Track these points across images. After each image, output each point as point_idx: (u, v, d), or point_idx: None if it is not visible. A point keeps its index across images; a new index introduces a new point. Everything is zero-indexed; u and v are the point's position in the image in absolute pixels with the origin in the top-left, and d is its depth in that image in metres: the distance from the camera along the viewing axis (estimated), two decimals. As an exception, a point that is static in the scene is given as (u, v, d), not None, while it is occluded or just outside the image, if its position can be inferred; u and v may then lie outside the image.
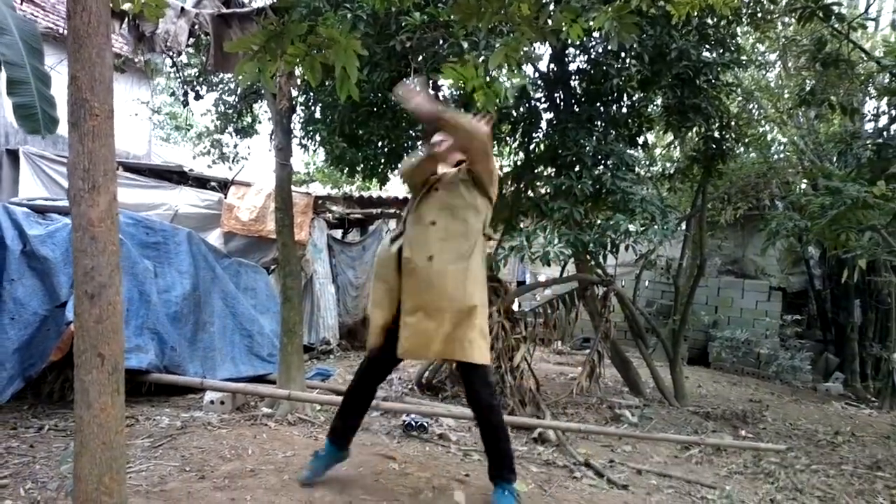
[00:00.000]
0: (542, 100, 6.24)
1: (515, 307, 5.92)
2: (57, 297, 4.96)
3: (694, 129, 6.42)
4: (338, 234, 9.87)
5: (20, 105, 3.72)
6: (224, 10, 5.12)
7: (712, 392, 8.17)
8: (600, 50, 5.87)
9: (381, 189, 8.32)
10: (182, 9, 4.89)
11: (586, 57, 6.07)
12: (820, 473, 4.67)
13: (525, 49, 3.55)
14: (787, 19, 7.56)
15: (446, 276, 3.07)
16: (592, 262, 6.30)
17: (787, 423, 6.60)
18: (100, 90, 1.82)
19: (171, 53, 5.13)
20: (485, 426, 3.20)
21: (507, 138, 6.69)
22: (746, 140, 7.74)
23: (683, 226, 7.44)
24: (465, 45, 4.86)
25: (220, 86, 8.70)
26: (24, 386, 4.77)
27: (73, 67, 1.82)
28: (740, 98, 8.91)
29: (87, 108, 1.81)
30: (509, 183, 6.46)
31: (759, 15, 6.10)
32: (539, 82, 6.13)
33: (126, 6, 2.88)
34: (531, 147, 6.33)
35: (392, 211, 9.92)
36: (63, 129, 3.84)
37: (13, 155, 7.54)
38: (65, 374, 5.04)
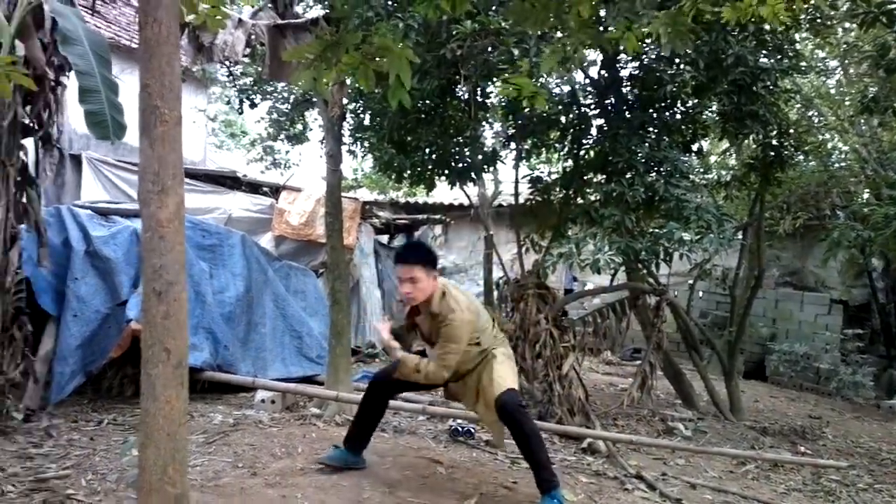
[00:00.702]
0: (593, 106, 6.19)
1: (563, 315, 5.86)
2: (118, 295, 5.16)
3: (751, 137, 6.26)
4: (384, 239, 9.97)
5: (91, 112, 3.88)
6: (280, 21, 5.25)
7: (769, 407, 7.94)
8: (653, 56, 5.79)
9: (427, 195, 8.38)
10: (239, 20, 5.04)
11: (638, 63, 6.00)
12: (884, 493, 4.50)
13: (577, 55, 3.54)
14: (848, 24, 7.34)
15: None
16: (644, 271, 6.20)
17: (848, 441, 6.36)
18: (169, 97, 1.90)
19: (228, 63, 5.28)
20: (518, 438, 3.32)
21: (557, 144, 6.66)
22: (806, 148, 7.50)
23: (740, 235, 7.26)
24: (516, 52, 4.86)
25: (274, 94, 8.94)
26: (85, 381, 4.97)
27: (145, 76, 1.90)
28: (799, 105, 8.67)
29: (157, 114, 1.89)
30: (558, 190, 6.42)
31: (820, 20, 5.93)
32: (589, 88, 6.08)
33: (190, 18, 2.99)
34: (581, 153, 6.28)
35: (438, 216, 9.97)
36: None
37: (76, 159, 7.85)
38: (123, 370, 5.24)
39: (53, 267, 4.87)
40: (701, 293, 11.23)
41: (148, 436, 1.98)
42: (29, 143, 4.30)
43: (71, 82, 4.34)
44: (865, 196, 9.88)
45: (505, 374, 3.37)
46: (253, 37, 5.09)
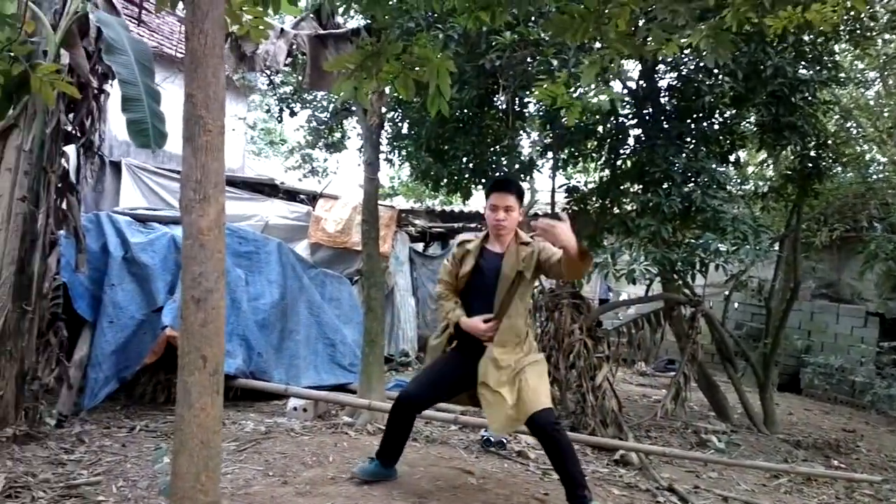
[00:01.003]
0: (630, 116, 6.14)
1: (597, 325, 5.80)
2: (154, 301, 5.22)
3: (789, 148, 6.15)
4: (419, 247, 9.99)
5: (133, 121, 3.96)
6: (321, 32, 5.31)
7: (803, 420, 7.76)
8: (691, 67, 5.73)
9: (464, 203, 8.38)
10: (281, 30, 5.11)
11: (677, 74, 5.93)
12: (920, 510, 4.35)
13: (616, 66, 3.51)
14: (888, 36, 7.17)
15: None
16: (680, 282, 6.11)
17: (882, 455, 6.19)
18: (214, 107, 1.93)
19: (269, 72, 5.34)
20: (551, 451, 3.28)
21: (594, 154, 6.61)
22: (844, 159, 7.35)
23: (776, 246, 7.12)
24: (555, 63, 4.85)
25: (313, 103, 9.03)
26: (118, 387, 5.02)
27: (190, 86, 1.93)
28: (838, 116, 8.49)
29: (201, 124, 1.92)
30: (594, 199, 6.37)
31: (859, 31, 5.81)
32: (627, 99, 6.04)
33: (233, 28, 3.03)
34: (618, 163, 6.23)
35: (473, 225, 9.95)
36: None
37: (116, 166, 8.01)
38: (157, 377, 5.29)
39: (91, 272, 4.94)
40: (736, 304, 11.04)
41: (182, 443, 2.00)
42: (70, 149, 4.39)
43: (113, 90, 4.43)
44: (903, 208, 9.62)
45: (540, 390, 3.30)
46: (294, 46, 5.15)
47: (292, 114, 8.85)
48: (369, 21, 5.14)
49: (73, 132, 4.32)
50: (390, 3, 4.31)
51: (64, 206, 4.27)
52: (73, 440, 4.15)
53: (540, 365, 3.44)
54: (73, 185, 4.34)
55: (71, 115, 4.27)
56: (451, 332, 3.51)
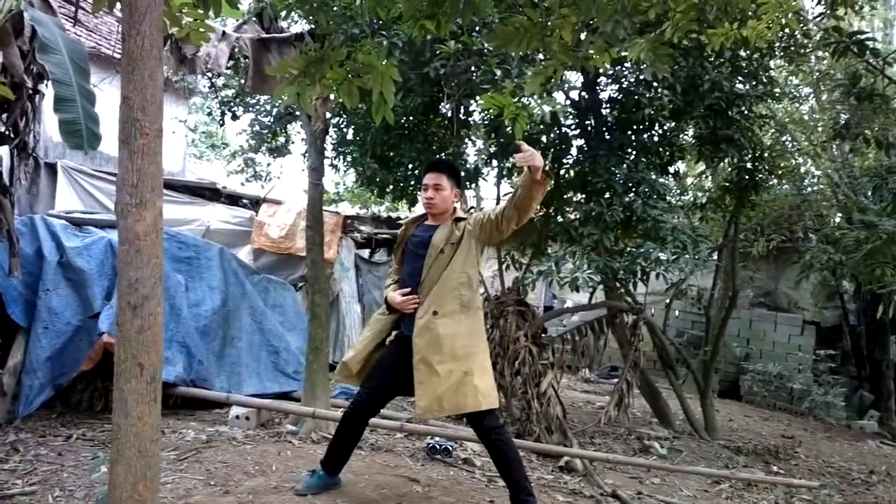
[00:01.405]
0: (573, 127, 6.27)
1: (542, 332, 5.88)
2: (91, 307, 5.06)
3: (726, 160, 6.39)
4: (365, 253, 9.93)
5: (66, 121, 3.84)
6: (264, 35, 5.25)
7: (743, 426, 8.01)
8: (632, 79, 5.89)
9: (409, 210, 8.38)
10: (223, 33, 5.04)
11: (618, 86, 6.10)
12: (853, 513, 4.55)
13: (559, 76, 3.59)
14: (820, 53, 7.52)
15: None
16: (622, 290, 6.26)
17: (820, 461, 6.44)
18: (150, 110, 1.89)
19: (210, 75, 5.25)
20: (495, 456, 3.30)
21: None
22: (780, 172, 7.66)
23: (715, 256, 7.37)
24: (499, 72, 4.92)
25: (256, 107, 8.90)
26: (54, 395, 4.86)
27: (126, 88, 1.89)
28: (774, 130, 8.85)
29: (137, 127, 1.88)
30: (538, 208, 6.47)
31: (793, 48, 6.08)
32: (570, 110, 6.16)
33: (173, 30, 2.98)
34: (561, 172, 6.35)
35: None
36: (101, 144, 3.97)
37: (51, 168, 7.74)
38: (94, 384, 5.13)
39: (25, 277, 4.78)
40: (677, 312, 11.35)
41: (119, 452, 1.94)
42: (4, 151, 4.23)
43: (49, 90, 4.29)
44: (837, 220, 10.08)
45: (487, 390, 3.25)
46: (236, 49, 5.08)
47: (234, 117, 8.71)
48: (313, 26, 5.11)
49: (7, 133, 4.18)
50: (334, 8, 4.31)
51: (-4, 208, 4.11)
52: (6, 449, 4.01)
53: (485, 358, 3.39)
54: (7, 187, 4.19)
55: (4, 116, 4.13)
56: (386, 311, 3.49)
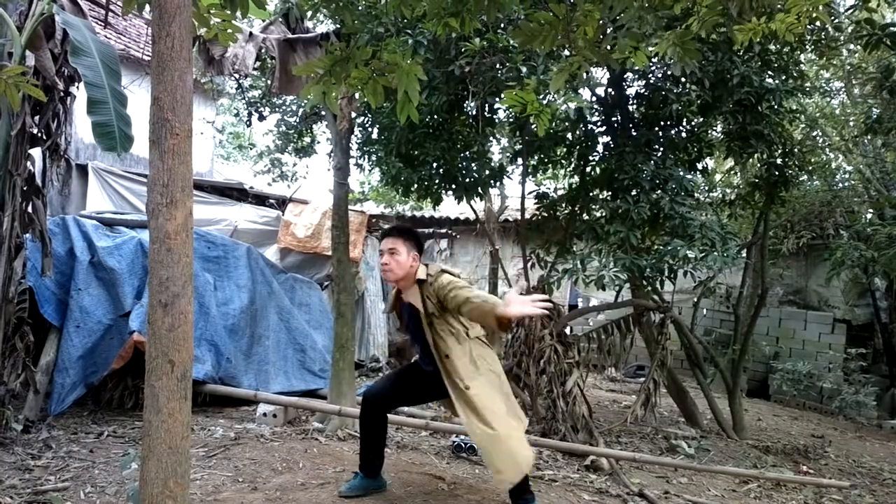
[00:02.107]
0: (599, 123, 6.21)
1: (567, 331, 5.84)
2: (121, 306, 5.15)
3: (756, 156, 6.28)
4: (390, 252, 9.97)
5: (99, 123, 3.90)
6: (290, 36, 5.28)
7: (772, 426, 7.89)
8: (659, 75, 5.82)
9: (434, 209, 8.39)
10: (250, 33, 5.08)
11: (645, 82, 6.03)
12: (886, 515, 4.46)
13: (584, 73, 3.56)
14: (852, 46, 7.37)
15: None
16: (649, 288, 6.18)
17: (850, 460, 6.32)
18: (180, 111, 1.91)
19: (237, 76, 5.30)
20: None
21: (563, 161, 6.68)
22: (810, 168, 7.52)
23: (744, 253, 7.25)
24: (524, 69, 4.89)
25: (283, 107, 8.99)
26: (85, 393, 4.97)
27: (157, 89, 1.92)
28: (804, 125, 8.69)
29: (168, 127, 1.91)
30: (563, 206, 6.43)
31: (824, 42, 5.96)
32: (596, 106, 6.11)
33: (201, 31, 3.01)
34: (587, 170, 6.30)
35: (444, 230, 9.97)
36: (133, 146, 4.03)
37: (82, 169, 7.88)
38: (124, 381, 5.23)
39: (57, 277, 4.89)
40: (705, 311, 11.21)
41: (150, 449, 1.97)
42: (36, 152, 4.32)
43: (80, 93, 4.37)
44: (869, 216, 9.87)
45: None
46: (263, 50, 5.12)
47: (261, 118, 8.80)
48: (338, 26, 5.13)
49: (39, 135, 4.26)
50: (359, 7, 4.33)
51: (30, 209, 4.21)
52: (40, 446, 4.10)
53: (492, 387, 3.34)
54: (39, 188, 4.27)
55: (37, 118, 4.21)
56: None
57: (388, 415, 3.72)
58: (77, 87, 4.42)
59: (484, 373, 3.28)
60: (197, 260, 5.58)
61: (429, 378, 3.42)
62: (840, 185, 10.00)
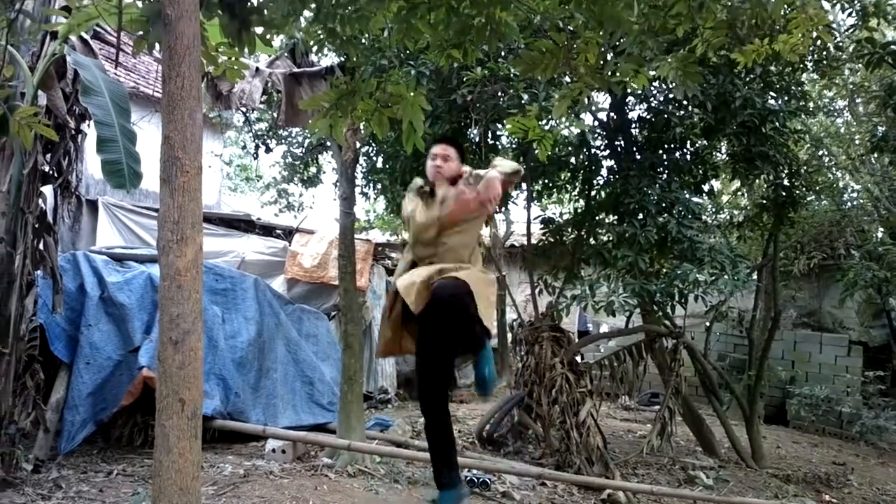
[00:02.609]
0: (602, 147, 6.24)
1: (578, 359, 5.79)
2: (131, 342, 5.14)
3: (762, 177, 6.28)
4: (398, 281, 9.95)
5: (108, 161, 3.94)
6: (295, 70, 5.35)
7: (792, 453, 7.73)
8: (661, 98, 5.86)
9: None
10: (257, 69, 5.14)
11: (647, 105, 6.06)
12: (913, 543, 4.34)
13: (586, 98, 3.58)
14: (853, 65, 7.40)
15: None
16: (660, 313, 6.14)
17: (874, 488, 6.18)
18: (190, 149, 1.93)
19: (244, 110, 5.35)
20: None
21: (567, 185, 6.69)
22: (817, 187, 7.50)
23: (755, 276, 7.20)
24: (525, 96, 4.93)
25: (289, 139, 9.07)
26: (95, 430, 4.92)
27: (167, 128, 1.93)
28: (809, 145, 8.69)
29: (178, 165, 1.92)
30: (570, 230, 6.42)
31: (825, 61, 5.99)
32: (598, 130, 6.14)
33: (209, 69, 3.06)
34: (592, 194, 6.30)
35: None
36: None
37: (93, 205, 7.95)
38: (134, 418, 5.19)
39: (67, 313, 4.88)
40: (718, 335, 11.06)
41: (160, 490, 1.95)
42: (48, 189, 4.35)
43: (91, 130, 4.42)
44: (879, 235, 9.82)
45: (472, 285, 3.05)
46: (269, 84, 5.18)
47: (268, 150, 8.89)
48: (343, 59, 5.20)
49: (51, 172, 4.29)
50: (363, 42, 4.38)
51: (41, 246, 4.22)
52: (50, 485, 4.06)
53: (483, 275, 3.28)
54: (51, 225, 4.30)
55: (48, 156, 4.26)
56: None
57: (440, 421, 3.29)
58: (88, 125, 4.47)
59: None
60: (205, 293, 5.54)
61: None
62: (849, 204, 9.95)
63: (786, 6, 3.42)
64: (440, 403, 3.26)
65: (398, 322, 3.32)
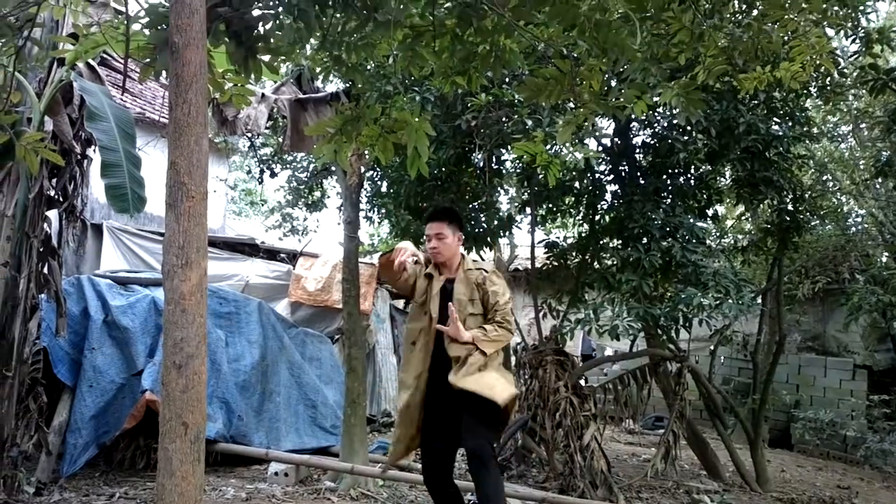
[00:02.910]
0: (607, 172, 6.26)
1: (583, 382, 5.75)
2: (134, 365, 5.14)
3: (766, 202, 6.29)
4: (400, 304, 9.94)
5: (112, 186, 3.98)
6: (300, 96, 5.41)
7: (797, 477, 7.65)
8: (665, 124, 5.89)
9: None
10: (263, 95, 5.21)
11: (651, 131, 6.10)
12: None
13: (590, 125, 3.61)
14: (857, 91, 7.45)
15: None
16: (664, 337, 6.12)
17: (880, 513, 6.11)
18: (196, 174, 1.95)
19: (250, 135, 5.40)
20: (480, 494, 3.09)
21: (571, 210, 6.71)
22: (822, 212, 7.50)
23: (759, 300, 7.18)
24: (530, 122, 4.97)
25: (294, 164, 9.14)
26: (98, 453, 4.91)
27: (173, 154, 1.96)
28: (813, 170, 8.71)
29: (184, 190, 1.94)
30: (574, 254, 6.43)
31: (829, 87, 6.02)
32: (603, 156, 6.17)
33: (215, 95, 3.09)
34: (596, 218, 6.32)
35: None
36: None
37: (97, 229, 7.99)
38: (136, 441, 5.17)
39: (71, 336, 4.89)
40: (722, 359, 11.01)
41: (163, 514, 1.94)
42: (53, 214, 4.38)
43: (96, 154, 4.47)
44: (884, 259, 9.80)
45: (494, 386, 3.10)
46: (275, 110, 5.24)
47: (273, 175, 8.96)
48: (348, 85, 5.26)
49: (56, 197, 4.33)
50: (368, 68, 4.44)
51: (45, 270, 4.24)
52: (52, 509, 4.03)
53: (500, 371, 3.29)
54: (55, 249, 4.33)
55: (54, 181, 4.29)
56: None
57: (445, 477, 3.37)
58: (94, 150, 4.52)
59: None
60: (209, 316, 5.53)
61: (444, 390, 3.19)
62: (853, 228, 9.96)
63: (788, 33, 3.46)
64: (445, 480, 3.33)
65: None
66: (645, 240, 5.38)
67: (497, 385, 3.11)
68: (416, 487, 4.95)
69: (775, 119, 5.80)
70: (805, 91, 5.79)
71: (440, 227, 3.32)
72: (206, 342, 2.02)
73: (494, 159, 5.97)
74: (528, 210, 6.53)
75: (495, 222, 6.31)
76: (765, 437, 8.22)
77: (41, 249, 4.17)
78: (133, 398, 4.94)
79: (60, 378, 4.86)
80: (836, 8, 4.28)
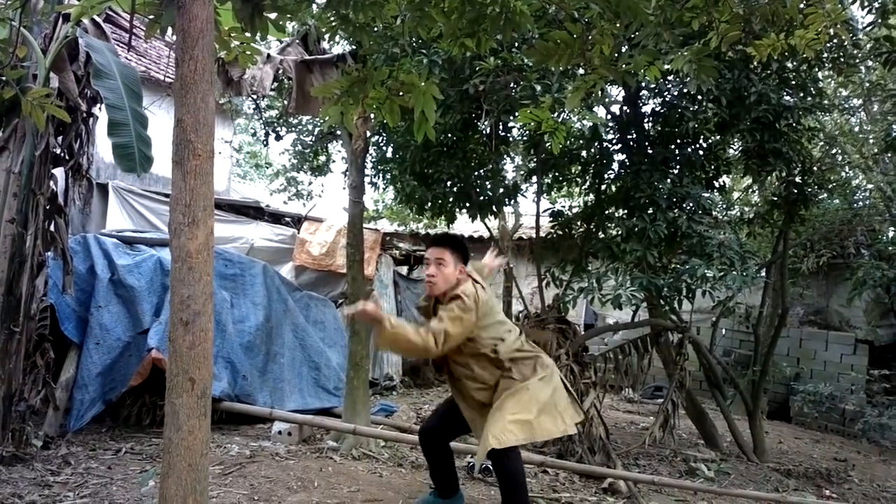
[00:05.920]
0: (614, 141, 6.21)
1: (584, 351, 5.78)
2: (140, 323, 5.19)
3: (774, 174, 6.23)
4: (403, 270, 9.98)
5: (119, 145, 3.97)
6: (307, 57, 5.35)
7: (794, 448, 7.74)
8: (675, 93, 5.82)
9: (448, 226, 8.40)
10: (268, 55, 5.15)
11: (660, 99, 6.02)
12: (913, 542, 4.35)
13: (600, 91, 3.56)
14: (871, 63, 7.33)
15: None
16: (666, 308, 6.13)
17: (874, 485, 6.18)
18: (203, 132, 1.95)
19: (255, 97, 5.36)
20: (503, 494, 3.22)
21: (578, 179, 6.68)
22: (830, 186, 7.44)
23: (763, 272, 7.17)
24: (538, 88, 4.91)
25: (299, 127, 9.08)
26: (104, 409, 4.99)
27: (180, 111, 1.95)
28: (823, 143, 8.62)
29: (190, 148, 1.94)
30: (579, 224, 6.42)
31: (842, 59, 5.92)
32: (611, 124, 6.11)
33: (222, 54, 3.06)
34: (602, 188, 6.28)
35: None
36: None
37: (103, 188, 7.99)
38: (142, 398, 5.25)
39: (78, 294, 4.93)
40: (724, 331, 11.05)
41: (170, 466, 1.98)
42: (59, 172, 4.39)
43: (102, 113, 4.44)
44: (890, 234, 9.76)
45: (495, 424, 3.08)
46: (280, 71, 5.19)
47: (278, 137, 8.91)
48: (355, 47, 5.19)
49: (62, 155, 4.32)
50: (376, 29, 4.38)
51: (52, 228, 4.26)
52: (59, 462, 4.12)
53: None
54: (62, 207, 4.34)
55: (60, 139, 4.28)
56: None
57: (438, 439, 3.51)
58: (100, 109, 4.50)
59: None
60: (214, 278, 5.57)
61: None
62: (860, 203, 9.89)
63: (803, 2, 3.39)
64: (443, 442, 3.47)
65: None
66: (651, 210, 5.35)
67: (496, 427, 3.07)
68: (417, 448, 5.03)
69: (787, 89, 5.71)
70: (818, 62, 5.70)
71: (442, 253, 3.20)
72: (212, 300, 2.04)
73: (501, 126, 5.92)
74: (534, 178, 6.49)
75: (500, 190, 6.28)
76: (764, 409, 8.30)
77: (48, 207, 4.18)
78: (139, 356, 5.00)
79: (67, 335, 4.91)
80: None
